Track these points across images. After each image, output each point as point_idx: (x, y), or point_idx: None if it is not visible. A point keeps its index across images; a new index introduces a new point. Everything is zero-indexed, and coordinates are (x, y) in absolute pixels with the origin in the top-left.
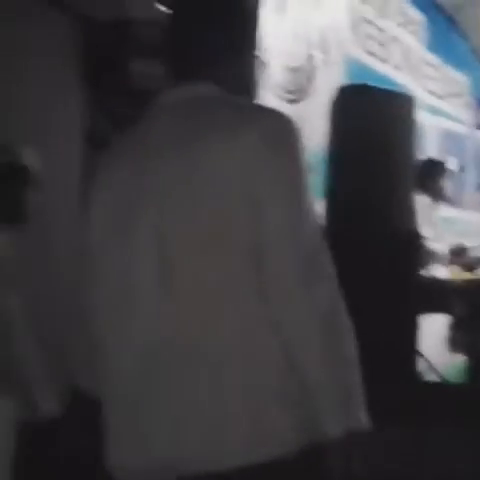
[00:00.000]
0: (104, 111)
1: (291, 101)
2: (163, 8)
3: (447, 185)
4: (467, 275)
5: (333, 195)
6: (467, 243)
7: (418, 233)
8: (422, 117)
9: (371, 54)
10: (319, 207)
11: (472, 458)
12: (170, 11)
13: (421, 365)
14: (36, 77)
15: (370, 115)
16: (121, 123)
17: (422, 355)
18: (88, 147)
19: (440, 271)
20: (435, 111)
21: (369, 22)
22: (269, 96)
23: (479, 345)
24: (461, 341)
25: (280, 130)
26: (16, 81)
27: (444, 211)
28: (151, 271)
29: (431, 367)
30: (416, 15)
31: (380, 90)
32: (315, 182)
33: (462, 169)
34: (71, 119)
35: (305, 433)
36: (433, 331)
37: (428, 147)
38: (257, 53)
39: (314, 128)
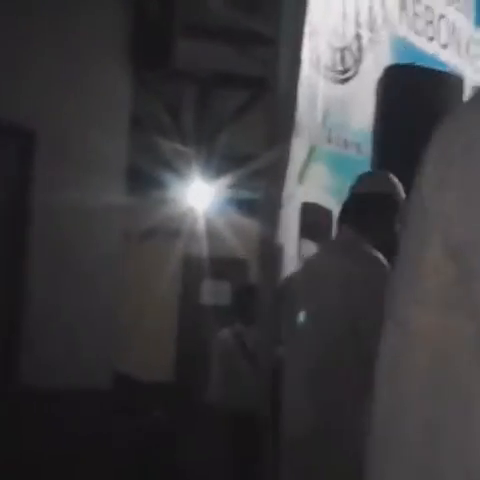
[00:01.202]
0: (150, 91)
1: (339, 81)
2: None
3: None
4: None
5: None
6: None
7: None
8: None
9: (418, 33)
10: None
11: None
12: None
13: None
14: (84, 58)
15: (417, 95)
16: (166, 104)
17: None
18: (135, 128)
19: None
20: None
21: (417, 0)
22: (316, 76)
23: None
24: None
25: None
26: (63, 62)
27: None
28: None
29: None
30: None
31: (428, 69)
32: (362, 162)
33: None
34: (119, 99)
35: None
36: None
37: None
38: None
39: (361, 108)
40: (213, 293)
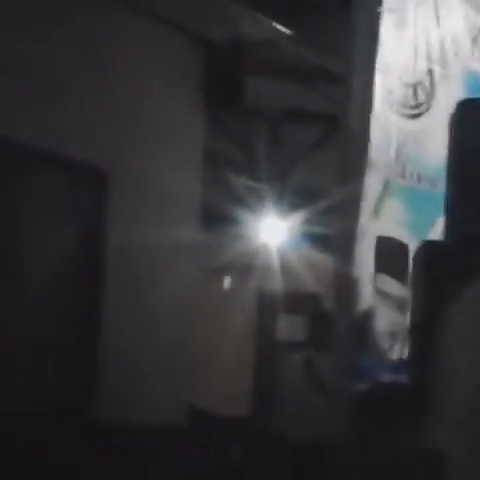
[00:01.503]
0: (222, 129)
1: (411, 116)
2: (279, 27)
3: None
4: None
5: (454, 211)
6: None
7: None
8: None
9: None
10: (439, 223)
11: None
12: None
13: None
14: (157, 98)
15: None
16: (238, 141)
17: None
18: (208, 165)
19: None
20: None
21: None
22: (389, 112)
23: None
24: None
25: None
26: (138, 102)
27: None
28: None
29: None
30: None
31: None
32: (437, 196)
33: None
34: (192, 138)
35: None
36: None
37: None
38: None
39: (434, 143)
40: (288, 328)
